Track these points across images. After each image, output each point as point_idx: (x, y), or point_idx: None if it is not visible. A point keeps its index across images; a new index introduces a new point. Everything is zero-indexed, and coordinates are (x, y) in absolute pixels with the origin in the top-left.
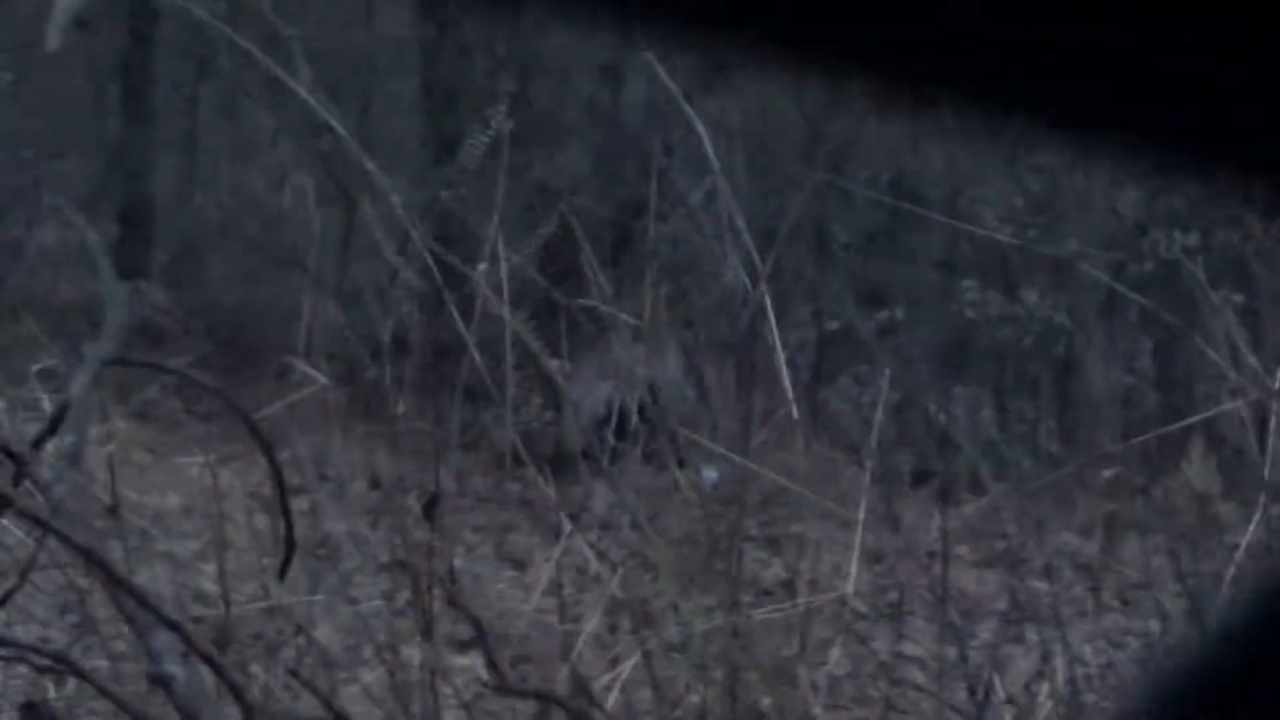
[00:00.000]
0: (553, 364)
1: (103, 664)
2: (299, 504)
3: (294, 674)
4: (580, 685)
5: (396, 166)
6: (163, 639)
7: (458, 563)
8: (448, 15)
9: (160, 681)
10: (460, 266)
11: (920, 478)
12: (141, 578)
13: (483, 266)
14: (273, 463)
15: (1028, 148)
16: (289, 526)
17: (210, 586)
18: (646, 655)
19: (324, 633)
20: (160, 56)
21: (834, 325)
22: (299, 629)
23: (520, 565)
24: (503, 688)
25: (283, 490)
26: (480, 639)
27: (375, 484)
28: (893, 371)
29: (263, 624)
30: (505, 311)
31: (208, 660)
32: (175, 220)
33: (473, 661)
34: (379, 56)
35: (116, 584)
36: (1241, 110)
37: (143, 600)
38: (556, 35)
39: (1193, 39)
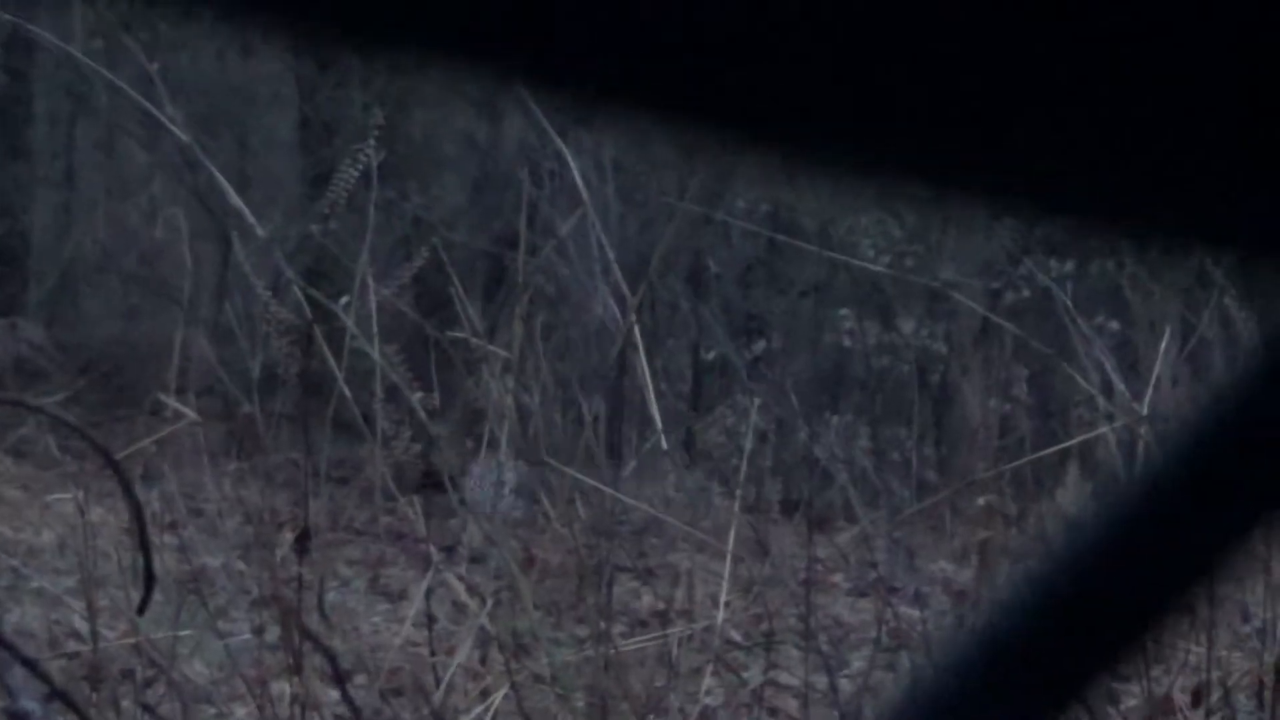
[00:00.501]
0: (416, 397)
1: None
2: (171, 539)
3: (149, 709)
4: (424, 718)
5: (273, 201)
6: (20, 676)
7: (331, 596)
8: (324, 50)
9: (17, 718)
10: (326, 301)
11: (794, 507)
12: (13, 615)
13: (345, 300)
14: (131, 497)
15: (896, 192)
16: (149, 561)
17: (83, 623)
18: (516, 687)
19: (195, 668)
20: (36, 93)
21: (710, 356)
22: (154, 663)
23: (394, 598)
24: None
25: (142, 525)
26: (336, 672)
27: (248, 518)
28: (767, 401)
29: (134, 660)
30: (373, 345)
31: (62, 697)
32: (51, 257)
33: (345, 696)
34: (256, 91)
35: None
36: (1111, 150)
37: None
38: (431, 72)
39: (1063, 83)
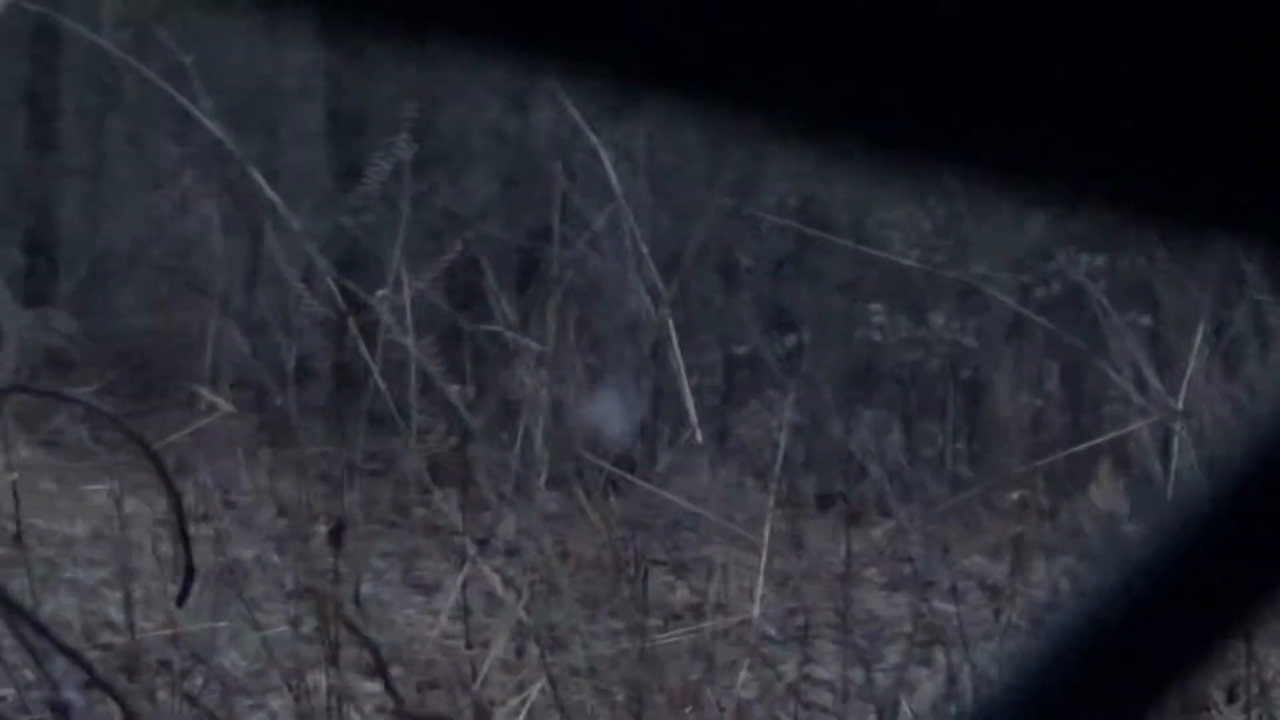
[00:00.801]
0: (453, 389)
1: (9, 692)
2: (206, 531)
3: (191, 700)
4: (481, 710)
5: (303, 193)
6: (61, 667)
7: (365, 588)
8: (354, 41)
9: (58, 709)
10: (362, 293)
11: (827, 501)
12: (48, 606)
13: (382, 292)
14: (171, 489)
15: (930, 181)
16: (188, 553)
17: (119, 614)
18: (552, 680)
19: (231, 659)
20: (66, 85)
21: (742, 350)
22: (192, 654)
23: (428, 591)
24: (402, 713)
25: (181, 516)
26: (378, 664)
27: (282, 510)
28: (799, 395)
29: (171, 651)
30: (408, 338)
31: (104, 687)
32: (82, 248)
33: (379, 687)
34: (286, 83)
35: (12, 611)
36: (1146, 144)
37: (39, 628)
38: (463, 63)
39: (1095, 73)
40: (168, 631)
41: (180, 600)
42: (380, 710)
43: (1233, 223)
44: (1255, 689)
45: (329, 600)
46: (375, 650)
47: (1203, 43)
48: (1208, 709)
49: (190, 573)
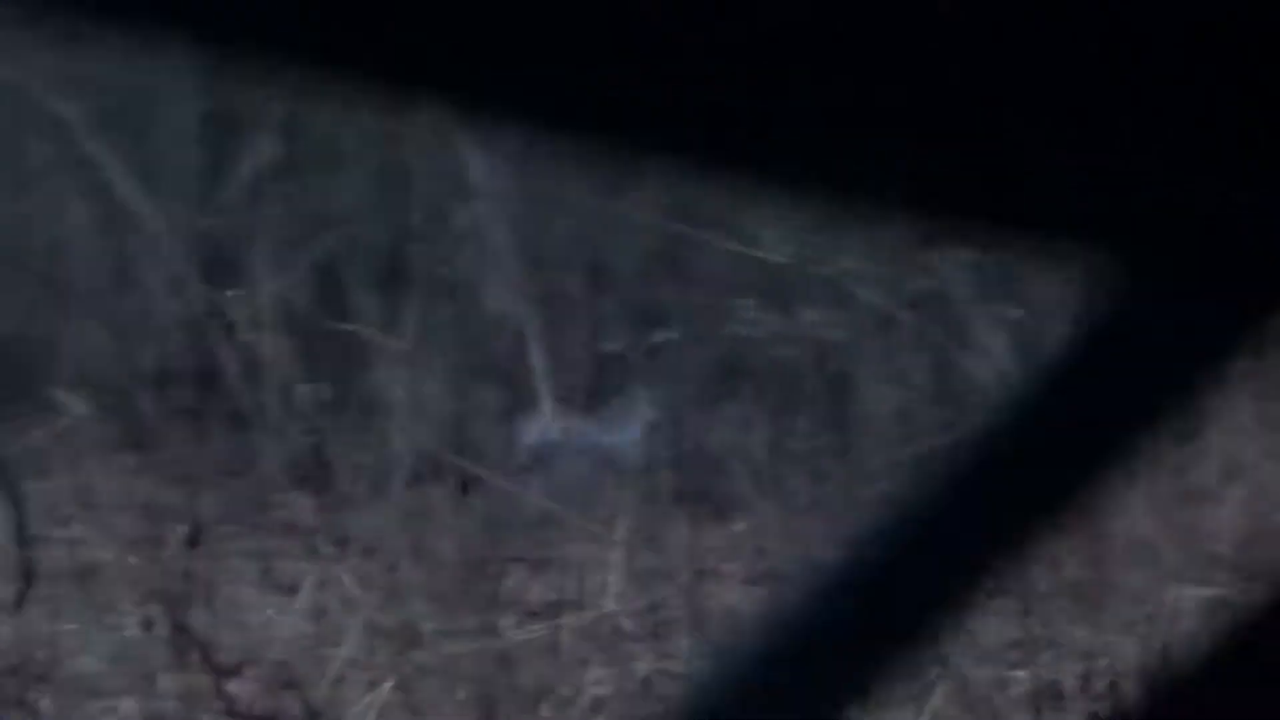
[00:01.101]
0: (305, 389)
1: None
2: (63, 533)
3: (22, 704)
4: (311, 711)
5: (173, 195)
6: None
7: (223, 589)
8: (227, 43)
9: None
10: (218, 294)
11: (689, 497)
12: None
13: (231, 293)
14: (11, 491)
15: (797, 197)
16: (28, 557)
17: None
18: (403, 679)
19: (85, 662)
20: None
21: (611, 348)
22: (40, 660)
23: (286, 591)
24: (234, 714)
25: (21, 520)
26: (208, 664)
27: (140, 513)
28: (663, 392)
29: (22, 655)
30: (262, 337)
31: None
32: None
33: (234, 688)
34: (157, 85)
35: None
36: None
37: None
38: (333, 90)
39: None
40: (11, 637)
41: (18, 604)
42: (229, 713)
43: (1098, 219)
44: (1108, 679)
45: (177, 602)
46: (205, 652)
47: (1066, 42)
48: (1061, 699)
49: (29, 576)
